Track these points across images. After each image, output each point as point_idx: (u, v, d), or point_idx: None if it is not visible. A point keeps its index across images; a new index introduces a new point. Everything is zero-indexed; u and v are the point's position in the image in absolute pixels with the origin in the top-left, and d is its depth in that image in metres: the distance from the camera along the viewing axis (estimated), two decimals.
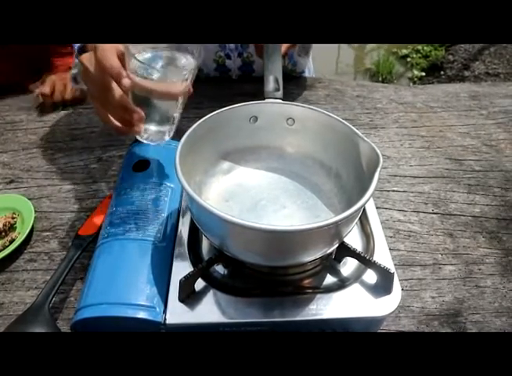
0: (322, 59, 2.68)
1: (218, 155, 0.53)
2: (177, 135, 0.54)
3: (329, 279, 0.46)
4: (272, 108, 0.52)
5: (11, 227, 0.58)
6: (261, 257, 0.42)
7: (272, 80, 0.55)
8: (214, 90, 0.89)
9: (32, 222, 0.58)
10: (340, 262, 0.47)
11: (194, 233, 0.49)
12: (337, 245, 0.44)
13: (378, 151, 0.42)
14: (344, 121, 0.48)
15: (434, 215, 0.62)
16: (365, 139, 0.44)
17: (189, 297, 0.43)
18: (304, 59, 0.95)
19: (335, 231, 0.40)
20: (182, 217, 0.52)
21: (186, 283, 0.42)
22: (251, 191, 0.52)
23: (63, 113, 0.84)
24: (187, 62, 0.51)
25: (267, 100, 0.53)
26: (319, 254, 0.42)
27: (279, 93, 0.54)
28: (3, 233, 0.57)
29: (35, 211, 0.61)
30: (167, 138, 0.54)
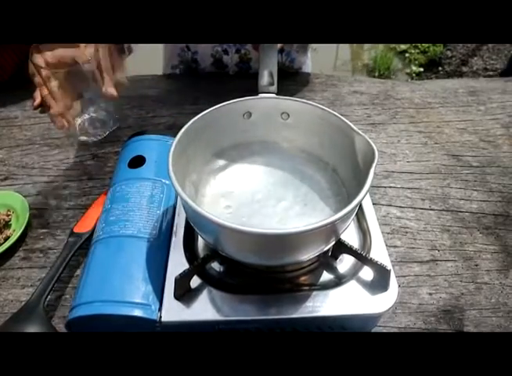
0: (320, 55, 2.67)
1: (214, 152, 0.53)
2: (172, 132, 0.54)
3: (326, 276, 0.46)
4: (266, 103, 0.52)
5: (5, 224, 0.58)
6: (256, 257, 0.42)
7: (267, 74, 0.55)
8: (211, 86, 0.89)
9: (27, 219, 0.58)
10: (336, 258, 0.47)
11: (190, 229, 0.49)
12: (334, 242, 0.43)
13: (373, 145, 0.41)
14: (338, 114, 0.48)
15: (431, 211, 0.62)
16: (361, 133, 0.44)
17: (185, 294, 0.43)
18: (302, 55, 0.95)
19: (331, 230, 0.40)
20: (178, 213, 0.51)
21: (182, 281, 0.42)
22: (248, 186, 0.51)
23: None
24: None
25: (261, 95, 0.53)
26: (315, 253, 0.42)
27: (274, 88, 0.54)
28: None
29: (30, 208, 0.60)
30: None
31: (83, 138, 0.57)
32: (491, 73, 2.63)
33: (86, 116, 0.58)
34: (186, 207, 0.40)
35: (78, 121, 0.58)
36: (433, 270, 0.54)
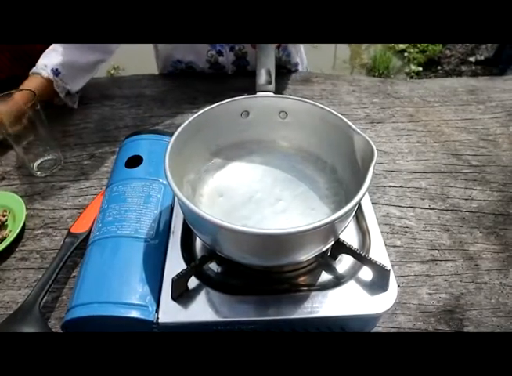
0: (318, 55, 2.67)
1: (212, 151, 0.52)
2: (169, 132, 0.54)
3: (325, 276, 0.46)
4: (264, 102, 0.52)
5: (2, 225, 0.58)
6: (254, 258, 0.41)
7: (265, 72, 0.54)
8: (209, 85, 0.88)
9: (23, 219, 0.58)
10: (335, 258, 0.47)
11: (187, 230, 0.49)
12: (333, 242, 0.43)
13: (372, 144, 0.41)
14: (337, 113, 0.47)
15: (430, 211, 0.62)
16: (360, 132, 0.44)
17: (182, 295, 0.42)
18: (297, 47, 0.94)
19: (330, 230, 0.39)
20: (175, 214, 0.51)
21: (179, 282, 0.42)
22: (246, 185, 0.51)
23: (55, 109, 0.82)
24: None
25: (258, 94, 0.52)
26: (314, 254, 0.41)
27: (271, 86, 0.53)
28: None
29: (27, 209, 0.60)
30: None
31: (38, 173, 0.69)
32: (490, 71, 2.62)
33: (42, 159, 0.69)
34: (183, 207, 0.40)
35: (37, 162, 0.69)
36: (433, 270, 0.54)
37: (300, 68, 0.98)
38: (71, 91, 0.80)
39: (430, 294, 0.51)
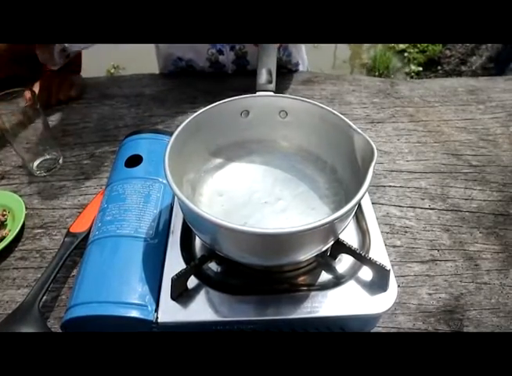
0: (319, 54, 2.67)
1: (211, 151, 0.52)
2: (169, 131, 0.54)
3: (325, 276, 0.45)
4: (264, 101, 0.51)
5: (1, 224, 0.57)
6: (254, 257, 0.41)
7: (265, 72, 0.54)
8: (209, 84, 0.88)
9: (23, 219, 0.57)
10: (335, 258, 0.46)
11: (187, 229, 0.48)
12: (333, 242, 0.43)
13: (373, 144, 0.41)
14: (337, 112, 0.47)
15: (430, 211, 0.62)
16: (360, 131, 0.43)
17: (182, 295, 0.42)
18: (297, 47, 0.94)
19: (330, 230, 0.39)
20: (175, 213, 0.51)
21: (179, 281, 0.41)
22: (246, 185, 0.51)
23: (55, 108, 0.83)
24: None
25: (258, 93, 0.52)
26: (313, 253, 0.41)
27: (272, 86, 0.53)
28: None
29: (26, 208, 0.60)
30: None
31: (38, 172, 0.69)
32: (490, 71, 2.63)
33: (41, 158, 0.69)
34: (183, 206, 0.40)
35: (37, 162, 0.69)
36: (433, 270, 0.54)
37: (300, 68, 0.98)
38: (67, 49, 0.77)
39: (430, 294, 0.51)
